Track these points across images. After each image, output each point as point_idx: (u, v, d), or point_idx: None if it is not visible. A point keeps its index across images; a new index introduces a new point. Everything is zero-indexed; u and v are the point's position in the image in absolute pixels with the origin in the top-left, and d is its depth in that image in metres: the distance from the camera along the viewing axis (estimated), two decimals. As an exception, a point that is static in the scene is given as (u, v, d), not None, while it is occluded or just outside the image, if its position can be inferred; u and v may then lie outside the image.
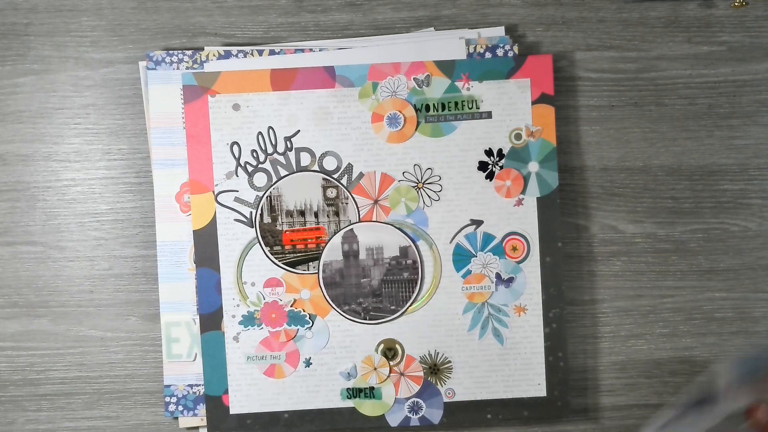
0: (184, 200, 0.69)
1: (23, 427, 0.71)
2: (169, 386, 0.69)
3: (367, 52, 0.68)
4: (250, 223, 0.68)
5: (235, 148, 0.67)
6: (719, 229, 0.71)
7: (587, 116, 0.70)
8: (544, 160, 0.68)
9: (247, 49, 0.68)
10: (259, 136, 0.67)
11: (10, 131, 0.70)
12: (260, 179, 0.68)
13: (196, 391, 0.69)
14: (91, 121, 0.71)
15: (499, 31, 0.69)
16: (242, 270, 0.68)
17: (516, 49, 0.68)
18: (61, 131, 0.71)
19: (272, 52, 0.68)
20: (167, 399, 0.69)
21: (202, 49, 0.69)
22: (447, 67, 0.68)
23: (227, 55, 0.68)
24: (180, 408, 0.69)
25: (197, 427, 0.70)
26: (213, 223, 0.68)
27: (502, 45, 0.68)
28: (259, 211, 0.68)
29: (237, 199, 0.68)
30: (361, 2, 0.70)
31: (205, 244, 0.68)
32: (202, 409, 0.69)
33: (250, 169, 0.68)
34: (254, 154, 0.68)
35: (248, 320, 0.68)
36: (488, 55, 0.68)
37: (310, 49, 0.69)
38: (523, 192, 0.68)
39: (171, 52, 0.68)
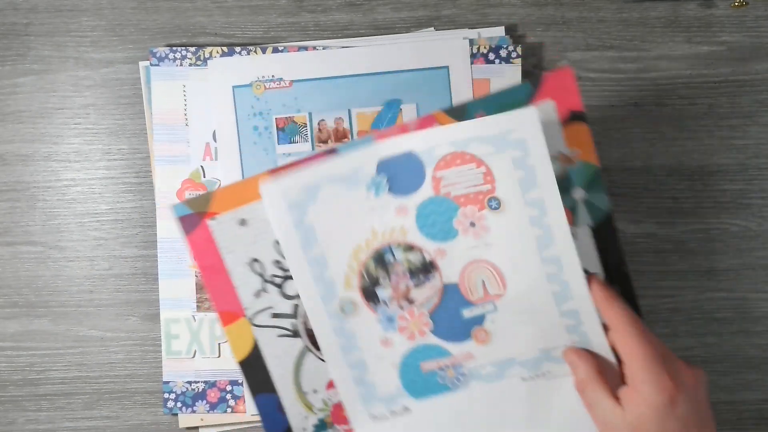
0: (185, 197, 0.69)
1: (23, 427, 0.71)
2: (167, 383, 0.69)
3: (367, 51, 0.68)
4: (296, 334, 0.62)
5: (257, 264, 0.61)
6: (719, 229, 0.71)
7: (587, 116, 0.70)
8: (589, 185, 0.60)
9: (250, 46, 0.68)
10: (277, 244, 0.61)
11: (10, 131, 0.70)
12: (291, 286, 0.61)
13: (194, 387, 0.69)
14: (91, 121, 0.71)
15: (499, 31, 0.69)
16: (300, 382, 0.62)
17: (519, 50, 0.68)
18: (61, 131, 0.71)
19: (275, 50, 0.68)
20: (166, 395, 0.69)
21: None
22: (458, 113, 0.59)
23: (230, 52, 0.68)
24: (179, 405, 0.69)
25: (197, 427, 0.70)
26: (256, 348, 0.61)
27: (503, 45, 0.68)
28: (301, 319, 0.62)
29: (275, 315, 0.62)
30: (361, 2, 0.70)
31: (255, 371, 0.61)
32: (200, 406, 0.69)
33: (278, 281, 0.61)
34: (278, 264, 0.61)
35: (320, 428, 0.62)
36: (491, 56, 0.68)
37: (314, 48, 0.69)
38: (574, 224, 0.59)
39: (174, 48, 0.68)
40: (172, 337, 0.69)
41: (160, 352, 0.70)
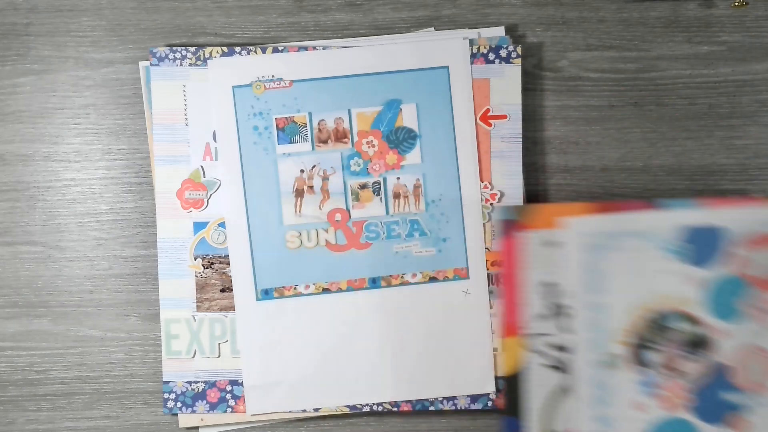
0: (185, 197, 0.69)
1: (23, 427, 0.71)
2: (167, 383, 0.69)
3: (367, 51, 0.68)
4: (562, 369, 0.60)
5: (549, 289, 0.60)
6: (719, 229, 0.71)
7: (587, 116, 0.70)
8: None
9: (250, 46, 0.68)
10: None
11: (10, 131, 0.70)
12: (573, 321, 0.61)
13: (194, 387, 0.69)
14: (91, 121, 0.71)
15: (499, 31, 0.69)
16: (552, 419, 0.60)
17: (519, 50, 0.68)
18: (61, 131, 0.71)
19: (275, 50, 0.69)
20: (166, 395, 0.69)
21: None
22: None
23: (230, 52, 0.68)
24: (179, 405, 0.69)
25: (197, 427, 0.70)
26: (524, 369, 0.61)
27: (503, 45, 0.68)
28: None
29: (548, 344, 0.61)
30: (361, 2, 0.70)
31: (515, 391, 0.61)
32: (200, 406, 0.69)
33: (563, 311, 0.60)
34: (569, 295, 0.61)
35: None
36: (491, 56, 0.68)
37: (314, 48, 0.69)
38: None
39: (174, 48, 0.68)
40: (172, 337, 0.69)
41: (160, 352, 0.70)
